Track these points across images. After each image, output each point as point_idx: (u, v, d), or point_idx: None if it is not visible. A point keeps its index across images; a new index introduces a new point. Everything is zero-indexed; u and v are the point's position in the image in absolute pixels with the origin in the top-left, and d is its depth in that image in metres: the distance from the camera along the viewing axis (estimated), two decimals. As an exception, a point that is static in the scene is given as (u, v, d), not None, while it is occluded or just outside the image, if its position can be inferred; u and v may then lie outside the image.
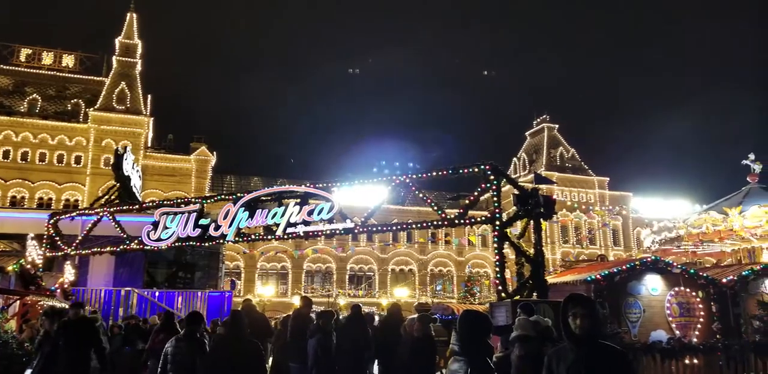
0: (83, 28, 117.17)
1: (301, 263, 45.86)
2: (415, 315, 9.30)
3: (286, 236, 16.10)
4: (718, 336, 14.24)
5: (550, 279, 15.93)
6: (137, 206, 18.60)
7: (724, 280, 15.09)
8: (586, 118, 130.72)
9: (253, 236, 16.89)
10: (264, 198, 16.41)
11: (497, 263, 14.08)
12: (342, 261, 46.68)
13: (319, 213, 15.23)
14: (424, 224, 16.00)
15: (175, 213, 16.52)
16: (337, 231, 15.77)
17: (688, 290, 14.85)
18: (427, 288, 47.59)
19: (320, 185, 15.77)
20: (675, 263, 15.86)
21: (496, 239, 14.22)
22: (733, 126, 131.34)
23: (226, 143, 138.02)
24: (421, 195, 15.86)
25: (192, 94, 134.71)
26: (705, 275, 15.37)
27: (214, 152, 46.71)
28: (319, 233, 16.06)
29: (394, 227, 19.15)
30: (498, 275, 14.05)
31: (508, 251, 15.04)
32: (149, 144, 47.51)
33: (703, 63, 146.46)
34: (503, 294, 13.67)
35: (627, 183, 59.22)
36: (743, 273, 15.41)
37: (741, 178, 25.32)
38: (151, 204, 18.32)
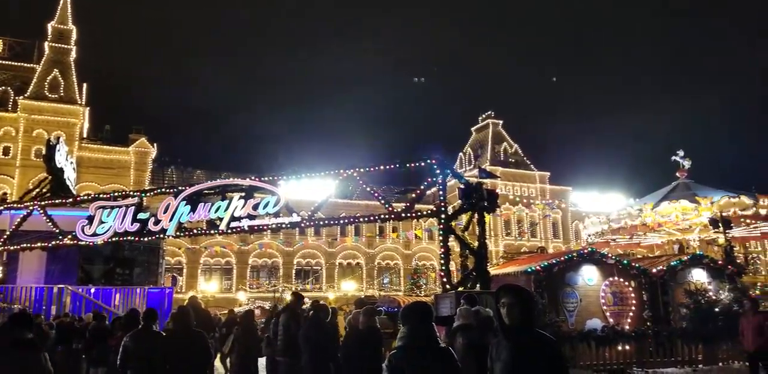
0: (13, 11, 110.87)
1: (246, 258, 45.16)
2: (358, 309, 9.37)
3: (230, 231, 15.84)
4: (648, 324, 14.97)
5: (493, 271, 16.33)
6: (71, 200, 17.85)
7: (655, 270, 15.85)
8: (530, 115, 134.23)
9: (195, 231, 16.52)
10: (207, 192, 16.07)
11: (442, 255, 14.33)
12: (288, 256, 46.27)
13: (264, 207, 15.04)
14: (372, 218, 16.07)
15: (112, 207, 15.96)
16: (284, 225, 15.64)
17: (621, 280, 15.53)
18: (375, 281, 47.84)
19: (266, 179, 15.57)
20: (610, 255, 16.53)
21: (441, 232, 14.47)
22: (665, 124, 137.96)
23: (168, 135, 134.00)
24: (368, 189, 15.91)
25: (133, 84, 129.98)
26: (637, 265, 16.10)
27: (155, 144, 45.23)
28: (265, 228, 15.88)
29: (342, 221, 19.20)
30: (443, 268, 14.31)
31: (454, 244, 15.33)
32: (85, 135, 45.49)
33: (642, 64, 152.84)
34: (448, 286, 13.93)
35: (567, 178, 61.25)
36: (672, 264, 16.23)
37: (671, 173, 26.70)
38: (86, 198, 17.61)
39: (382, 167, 15.06)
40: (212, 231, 15.83)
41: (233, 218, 15.12)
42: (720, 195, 22.69)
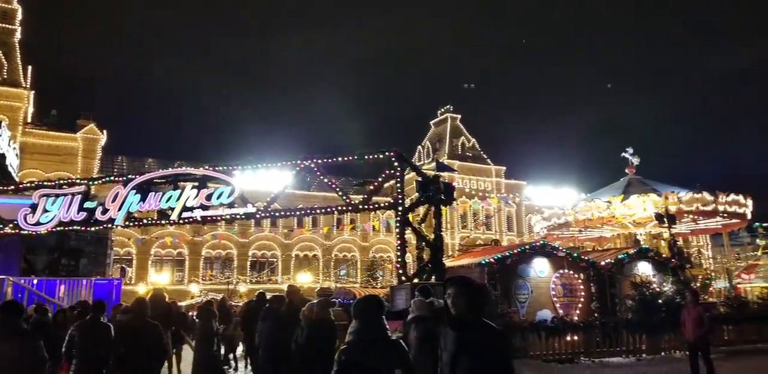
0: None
1: (199, 249, 44.30)
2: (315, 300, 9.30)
3: (182, 221, 15.46)
4: (596, 315, 15.43)
5: (448, 263, 16.51)
6: (13, 187, 17.08)
7: (603, 263, 16.34)
8: (488, 110, 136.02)
9: (145, 221, 16.05)
10: (158, 181, 15.62)
11: (399, 247, 14.38)
12: (243, 247, 45.62)
13: (218, 197, 14.73)
14: (329, 209, 15.97)
15: (57, 195, 15.34)
16: (238, 216, 15.36)
17: (571, 272, 15.94)
18: (331, 273, 47.72)
19: (220, 168, 15.24)
20: (561, 248, 16.95)
21: (398, 225, 14.50)
22: (615, 123, 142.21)
23: (120, 122, 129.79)
24: (326, 180, 15.79)
25: (83, 69, 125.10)
26: (586, 258, 16.56)
27: (104, 131, 43.66)
28: (219, 218, 15.56)
29: (299, 212, 18.99)
30: (399, 260, 14.37)
31: (411, 237, 15.41)
32: (29, 120, 43.52)
33: (596, 64, 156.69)
34: (403, 278, 14.00)
35: (521, 173, 62.30)
36: (619, 257, 16.77)
37: (620, 169, 27.56)
38: (29, 185, 16.87)
39: (340, 159, 14.97)
40: (163, 221, 15.41)
41: (185, 209, 14.76)
42: (668, 191, 23.57)
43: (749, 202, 24.47)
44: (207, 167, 15.44)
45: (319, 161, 15.01)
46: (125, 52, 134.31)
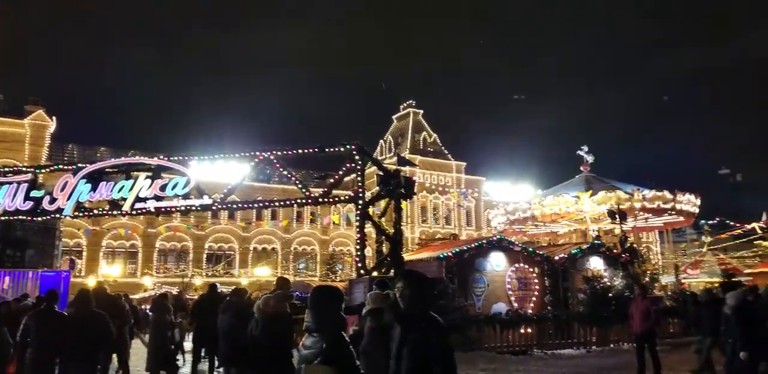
0: None
1: (153, 241, 43.23)
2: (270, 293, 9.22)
3: (134, 212, 15.07)
4: (549, 308, 15.82)
5: (407, 256, 16.62)
6: (-45, 175, 16.29)
7: (557, 258, 16.73)
8: (450, 107, 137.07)
9: (96, 212, 15.57)
10: (110, 170, 15.17)
11: (358, 241, 14.37)
12: (199, 239, 44.77)
13: (173, 188, 14.41)
14: (288, 202, 15.84)
15: (2, 183, 14.72)
16: (194, 208, 15.07)
17: (526, 266, 16.27)
18: (290, 266, 47.36)
19: (175, 158, 14.89)
20: (517, 242, 17.26)
21: (358, 218, 14.48)
22: (571, 121, 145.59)
23: (71, 110, 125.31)
24: (285, 173, 15.61)
25: (32, 54, 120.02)
26: (541, 253, 16.93)
27: (54, 118, 41.96)
28: (173, 210, 15.22)
29: (257, 205, 18.76)
30: (358, 253, 14.37)
31: (371, 230, 15.41)
32: (-28, 105, 41.50)
33: (557, 64, 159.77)
34: (362, 271, 14.02)
35: (481, 169, 63.19)
36: (572, 252, 17.21)
37: (576, 166, 28.24)
38: (-28, 173, 16.12)
39: (300, 151, 14.83)
40: (115, 212, 14.99)
41: (138, 199, 14.38)
42: (623, 188, 24.28)
43: (696, 200, 25.46)
44: (162, 157, 15.07)
45: (279, 153, 14.84)
46: (78, 38, 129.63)
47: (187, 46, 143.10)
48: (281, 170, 15.29)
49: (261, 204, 18.04)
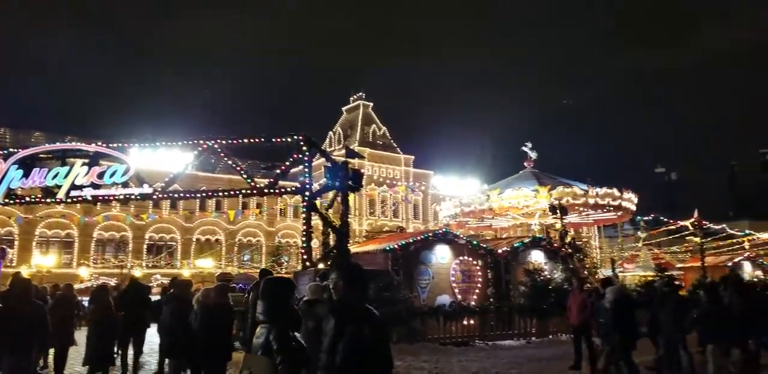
0: None
1: (90, 230, 41.55)
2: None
3: (70, 200, 14.41)
4: (491, 300, 16.14)
5: (354, 249, 16.59)
6: None
7: (500, 251, 17.08)
8: (400, 100, 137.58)
9: (28, 199, 14.81)
10: (44, 156, 14.47)
11: (304, 233, 14.25)
12: (140, 230, 43.33)
13: (111, 176, 13.86)
14: (233, 193, 15.50)
15: (-76, 168, 13.76)
16: (134, 196, 14.56)
17: (470, 259, 16.53)
18: (234, 258, 46.52)
19: (114, 145, 14.33)
20: (462, 235, 17.53)
21: (305, 210, 14.35)
22: (516, 117, 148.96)
23: (3, 93, 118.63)
24: (230, 162, 15.27)
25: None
26: (485, 246, 17.25)
27: (-16, 101, 39.64)
28: (112, 198, 14.65)
29: (200, 194, 18.29)
30: (304, 245, 14.24)
31: (318, 222, 15.29)
32: None
33: (505, 62, 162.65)
34: (308, 263, 13.92)
35: (429, 162, 63.72)
36: (515, 245, 17.61)
37: (519, 162, 28.88)
38: None
39: (246, 140, 14.53)
40: (49, 200, 14.31)
41: (74, 187, 13.77)
42: (565, 183, 25.01)
43: (633, 196, 26.53)
44: (100, 143, 14.47)
45: (223, 142, 14.50)
46: (13, 16, 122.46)
47: (134, 32, 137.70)
48: (226, 159, 14.95)
49: (204, 194, 17.58)
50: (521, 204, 24.20)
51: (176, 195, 16.45)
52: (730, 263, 28.12)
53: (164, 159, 23.33)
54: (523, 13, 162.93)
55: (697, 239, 27.34)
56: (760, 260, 31.03)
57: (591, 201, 24.02)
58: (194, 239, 45.69)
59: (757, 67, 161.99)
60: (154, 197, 14.80)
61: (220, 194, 17.25)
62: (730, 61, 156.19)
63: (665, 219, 31.21)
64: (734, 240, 34.90)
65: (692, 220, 27.74)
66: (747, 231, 36.45)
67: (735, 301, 9.04)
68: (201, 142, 14.54)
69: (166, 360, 8.52)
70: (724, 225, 34.49)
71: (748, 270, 28.31)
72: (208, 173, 42.49)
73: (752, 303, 9.08)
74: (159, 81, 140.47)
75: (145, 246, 43.78)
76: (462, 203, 27.51)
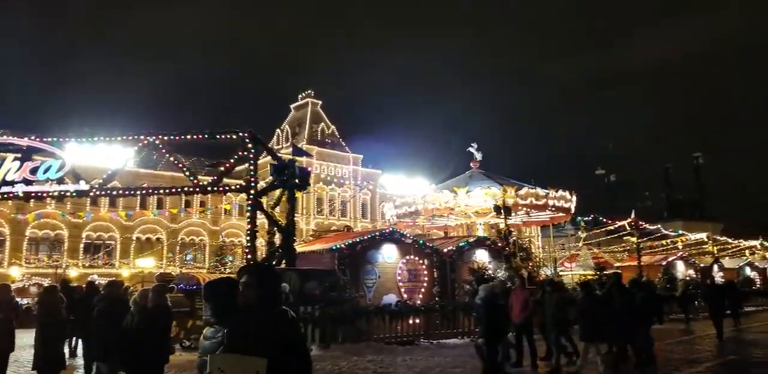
0: None
1: (22, 229, 39.50)
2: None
3: (0, 197, 13.66)
4: (437, 298, 16.31)
5: (300, 248, 16.43)
6: None
7: (446, 250, 17.29)
8: (350, 99, 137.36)
9: (-48, 195, 13.94)
10: (-30, 150, 13.62)
11: (249, 231, 14.01)
12: (76, 228, 41.52)
13: (45, 171, 13.22)
14: (175, 190, 15.08)
15: None
16: (69, 193, 13.92)
17: (416, 258, 16.66)
18: (177, 257, 45.22)
19: (49, 140, 13.66)
20: (409, 235, 17.64)
21: (249, 208, 14.09)
22: (463, 119, 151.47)
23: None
24: (172, 159, 14.84)
25: None
26: (431, 245, 17.43)
27: None
28: (45, 195, 13.98)
29: (141, 192, 17.67)
30: (249, 244, 13.99)
31: (265, 221, 15.04)
32: None
33: (457, 63, 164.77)
34: (252, 263, 13.66)
35: (378, 162, 63.84)
36: (460, 244, 17.87)
37: (466, 162, 29.32)
38: None
39: (189, 137, 14.14)
40: (-25, 196, 13.50)
41: (5, 182, 13.07)
42: (508, 184, 25.52)
43: (574, 197, 27.35)
44: (33, 138, 13.77)
45: (165, 138, 14.06)
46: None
47: (69, 22, 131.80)
48: (168, 155, 14.51)
49: (145, 191, 17.01)
50: (463, 204, 24.55)
51: (115, 192, 15.84)
52: (664, 262, 29.43)
53: (103, 155, 22.43)
54: (473, 16, 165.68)
55: (634, 239, 28.45)
56: (693, 260, 32.65)
57: (531, 201, 24.62)
58: (134, 238, 44.16)
59: (695, 76, 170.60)
60: (91, 194, 14.20)
61: (162, 191, 16.73)
62: (670, 70, 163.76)
63: (604, 220, 32.37)
64: (668, 240, 36.62)
65: (629, 220, 28.86)
66: (680, 231, 38.33)
67: (617, 299, 9.64)
68: (142, 137, 14.05)
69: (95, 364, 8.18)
70: (659, 226, 36.14)
71: (681, 269, 29.73)
72: (149, 170, 41.19)
73: (633, 301, 9.75)
74: (101, 75, 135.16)
75: (81, 245, 42.00)
76: (408, 202, 27.70)
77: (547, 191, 25.43)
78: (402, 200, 28.72)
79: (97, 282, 13.78)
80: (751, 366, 10.37)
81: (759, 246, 43.10)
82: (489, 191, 24.36)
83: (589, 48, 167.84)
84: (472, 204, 24.83)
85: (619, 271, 18.09)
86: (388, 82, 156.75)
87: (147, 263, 41.92)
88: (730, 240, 41.40)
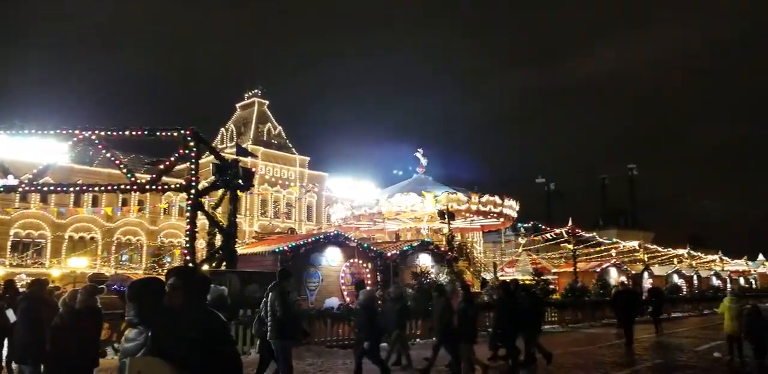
0: None
1: (-59, 225, 37.13)
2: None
3: None
4: (380, 302, 16.32)
5: (241, 250, 16.13)
6: None
7: (389, 254, 17.39)
8: (298, 101, 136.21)
9: None
10: None
11: (188, 232, 13.62)
12: (4, 225, 39.31)
13: (-33, 164, 12.44)
14: (111, 188, 14.50)
15: None
16: (-6, 188, 13.16)
17: (360, 261, 16.66)
18: (112, 257, 43.48)
19: (-26, 131, 12.88)
20: (353, 238, 17.62)
21: (189, 208, 13.71)
22: (411, 125, 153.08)
23: None
24: (109, 155, 14.27)
25: None
26: (375, 249, 17.49)
27: None
28: (-33, 189, 13.16)
29: (73, 188, 16.91)
30: (188, 245, 13.60)
31: (206, 222, 14.66)
32: None
33: (408, 68, 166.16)
34: (191, 264, 13.29)
35: (325, 164, 63.57)
36: (404, 248, 18.00)
37: (412, 167, 29.60)
38: None
39: (128, 132, 13.63)
40: None
41: None
42: (451, 190, 25.90)
43: (514, 204, 28.06)
44: (-45, 128, 12.95)
45: (102, 134, 13.50)
46: None
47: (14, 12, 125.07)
48: (104, 151, 13.95)
49: (79, 188, 16.29)
50: (408, 209, 24.77)
51: (47, 189, 15.09)
52: (598, 269, 30.54)
53: (35, 149, 21.34)
54: (424, 24, 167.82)
55: (571, 246, 29.41)
56: (625, 267, 34.03)
57: (474, 207, 25.11)
58: (66, 237, 42.19)
59: (630, 91, 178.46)
60: (20, 189, 13.47)
61: (97, 188, 16.06)
62: (606, 85, 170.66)
63: (543, 226, 33.33)
64: (603, 247, 38.07)
65: (566, 228, 29.82)
66: (614, 239, 39.92)
67: (499, 302, 10.09)
68: (77, 132, 13.44)
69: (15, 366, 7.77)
70: (594, 233, 37.52)
71: (614, 276, 30.91)
72: (85, 166, 39.55)
73: (517, 305, 10.22)
74: (40, 68, 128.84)
75: (9, 243, 39.79)
76: (354, 206, 27.70)
77: (495, 198, 25.97)
78: (345, 204, 28.67)
79: (19, 282, 13.07)
80: (675, 369, 10.87)
81: (686, 255, 45.45)
82: (429, 196, 24.68)
83: (532, 63, 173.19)
84: (413, 209, 25.07)
85: (507, 279, 18.66)
86: (339, 84, 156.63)
87: (79, 263, 40.09)
88: (660, 248, 43.47)
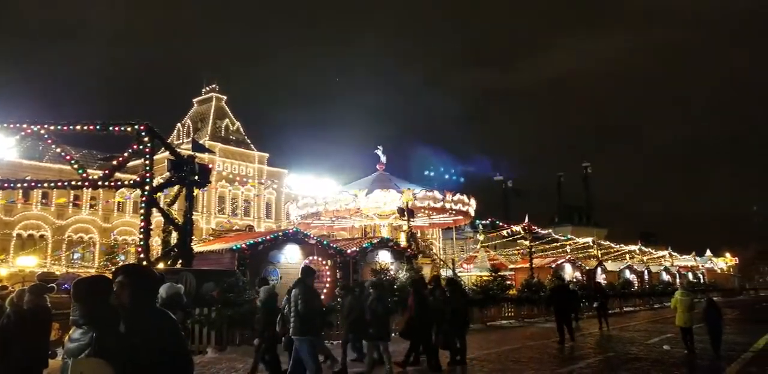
0: None
1: None
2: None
3: None
4: (339, 299, 16.30)
5: (198, 248, 15.84)
6: None
7: (349, 251, 17.36)
8: (257, 96, 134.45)
9: None
10: None
11: (142, 229, 13.32)
12: (-56, 223, 37.58)
13: None
14: (61, 184, 14.03)
15: None
16: (-66, 184, 12.56)
17: (320, 259, 16.59)
18: (63, 256, 42.03)
19: None
20: (312, 235, 17.53)
21: (143, 205, 13.40)
22: (371, 122, 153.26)
23: None
24: (59, 150, 13.80)
25: None
26: (335, 246, 17.43)
27: None
28: None
29: (21, 184, 16.29)
30: (142, 243, 13.30)
31: (161, 219, 14.34)
32: None
33: (367, 65, 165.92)
34: (145, 263, 13.00)
35: (285, 161, 63.07)
36: (363, 245, 18.01)
37: (372, 164, 29.70)
38: None
39: (78, 127, 13.20)
40: None
41: None
42: (408, 187, 26.06)
43: (473, 202, 28.42)
44: None
45: (52, 128, 13.04)
46: None
47: None
48: (54, 146, 13.48)
49: (27, 184, 15.70)
50: (343, 208, 24.87)
51: (-9, 184, 14.48)
52: (554, 265, 31.26)
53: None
54: (386, 24, 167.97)
55: (527, 243, 30.00)
56: (579, 262, 34.94)
57: (447, 205, 25.42)
58: (14, 235, 40.60)
59: (587, 91, 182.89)
60: (-38, 185, 12.89)
61: (47, 184, 15.52)
62: (562, 87, 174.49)
63: (501, 223, 33.89)
64: (558, 244, 38.99)
65: (523, 225, 30.41)
66: (569, 236, 40.92)
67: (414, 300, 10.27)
68: (25, 126, 12.94)
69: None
70: (550, 230, 38.36)
71: (569, 271, 31.70)
72: (34, 162, 38.11)
73: (428, 302, 10.45)
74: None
75: (-50, 242, 38.02)
76: (298, 206, 27.65)
77: (459, 196, 26.27)
78: (304, 201, 28.50)
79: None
80: (627, 361, 11.25)
81: (638, 251, 46.99)
82: (408, 193, 24.79)
83: (491, 63, 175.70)
84: (373, 206, 25.14)
85: (438, 274, 19.05)
86: (300, 81, 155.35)
87: (28, 262, 38.58)
88: (612, 245, 44.80)
